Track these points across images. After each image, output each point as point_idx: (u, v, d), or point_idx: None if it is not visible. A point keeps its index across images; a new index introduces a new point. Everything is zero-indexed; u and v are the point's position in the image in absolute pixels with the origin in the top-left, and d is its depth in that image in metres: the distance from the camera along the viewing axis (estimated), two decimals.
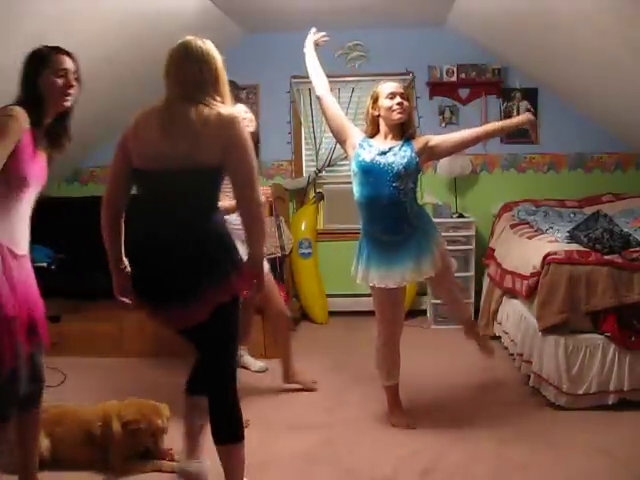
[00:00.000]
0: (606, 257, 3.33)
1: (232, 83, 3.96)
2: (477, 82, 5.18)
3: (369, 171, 2.96)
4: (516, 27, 4.32)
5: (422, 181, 5.39)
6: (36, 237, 5.11)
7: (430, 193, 5.14)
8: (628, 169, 5.30)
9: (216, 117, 2.11)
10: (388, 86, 3.08)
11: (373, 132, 3.10)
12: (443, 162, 5.11)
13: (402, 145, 3.00)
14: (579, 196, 5.07)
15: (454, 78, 5.16)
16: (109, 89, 4.38)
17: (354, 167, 3.02)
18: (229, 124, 2.10)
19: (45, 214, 5.28)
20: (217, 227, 2.20)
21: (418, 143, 3.02)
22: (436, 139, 3.04)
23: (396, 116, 3.00)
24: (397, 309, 3.18)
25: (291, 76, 5.26)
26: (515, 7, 3.89)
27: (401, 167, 2.92)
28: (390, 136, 3.05)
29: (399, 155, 2.95)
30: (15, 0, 2.86)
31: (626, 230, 3.61)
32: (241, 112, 3.24)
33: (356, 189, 3.04)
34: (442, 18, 4.94)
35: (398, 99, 3.01)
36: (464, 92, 5.27)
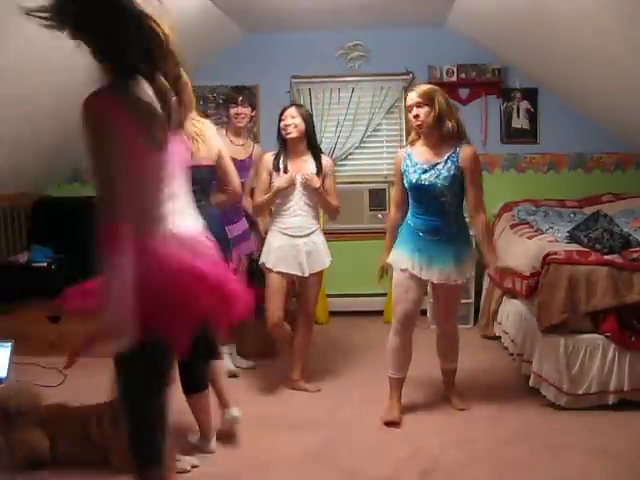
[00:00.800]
0: (606, 257, 3.33)
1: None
2: (477, 82, 5.18)
3: (416, 189, 3.13)
4: (516, 27, 4.32)
5: None
6: (36, 237, 5.12)
7: None
8: (628, 169, 5.30)
9: None
10: (408, 98, 3.14)
11: (416, 138, 3.19)
12: None
13: (446, 161, 3.07)
14: (579, 196, 5.07)
15: (454, 78, 5.16)
16: None
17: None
18: None
19: (45, 214, 5.32)
20: None
21: (464, 157, 3.07)
22: (469, 169, 3.10)
23: (415, 129, 3.10)
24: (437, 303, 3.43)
25: (291, 76, 5.26)
26: (515, 7, 3.89)
27: (444, 187, 3.05)
28: (431, 144, 3.11)
29: (442, 175, 3.05)
30: (14, 0, 2.85)
31: (626, 230, 3.61)
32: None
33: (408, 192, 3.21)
34: (442, 18, 4.94)
35: (414, 111, 3.05)
36: (464, 92, 5.27)
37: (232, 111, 3.95)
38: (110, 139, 1.54)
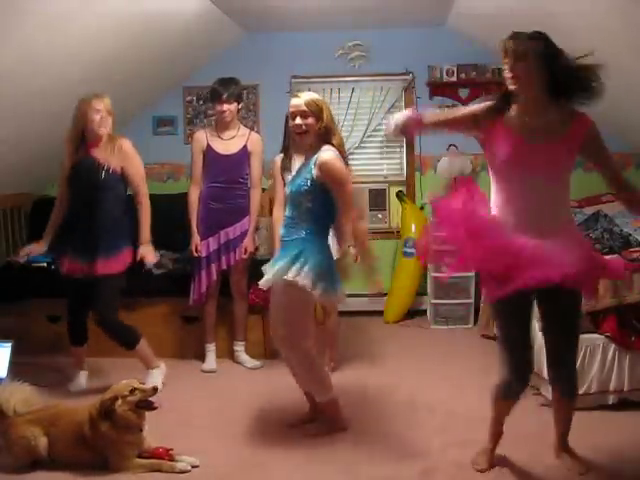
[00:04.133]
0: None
1: (231, 80, 3.97)
2: (477, 82, 5.18)
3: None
4: (516, 27, 4.28)
5: (422, 182, 5.41)
6: (36, 237, 5.14)
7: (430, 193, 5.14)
8: (628, 169, 5.30)
9: None
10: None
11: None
12: (442, 163, 5.12)
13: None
14: (579, 196, 5.07)
15: (454, 78, 5.16)
16: (109, 89, 4.37)
17: None
18: None
19: (45, 214, 5.32)
20: None
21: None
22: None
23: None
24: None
25: (291, 76, 5.26)
26: (515, 7, 3.90)
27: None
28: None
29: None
30: (11, 1, 2.85)
31: (626, 230, 3.61)
32: None
33: None
34: (442, 18, 4.94)
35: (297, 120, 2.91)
36: (464, 92, 5.27)
37: (217, 107, 3.94)
38: None
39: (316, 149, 2.86)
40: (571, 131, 2.35)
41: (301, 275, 2.78)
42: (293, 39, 5.24)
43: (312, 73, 5.21)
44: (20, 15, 2.96)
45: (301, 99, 2.94)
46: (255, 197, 4.06)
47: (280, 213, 3.56)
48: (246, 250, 3.98)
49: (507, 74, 2.39)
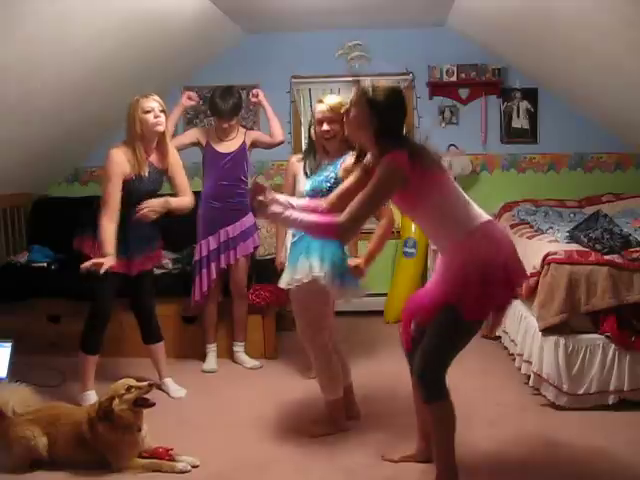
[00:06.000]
0: (606, 257, 3.33)
1: (229, 89, 3.98)
2: (477, 82, 5.18)
3: None
4: (516, 27, 4.32)
5: None
6: (36, 237, 5.12)
7: None
8: (628, 169, 5.30)
9: None
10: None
11: None
12: (443, 163, 5.11)
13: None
14: (579, 196, 5.07)
15: (454, 78, 5.16)
16: (109, 89, 4.38)
17: None
18: None
19: (45, 214, 5.31)
20: None
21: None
22: None
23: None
24: None
25: (291, 76, 5.26)
26: (515, 7, 3.89)
27: None
28: None
29: None
30: (13, 0, 2.85)
31: (626, 230, 3.61)
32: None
33: None
34: (442, 18, 4.94)
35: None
36: (464, 92, 5.27)
37: (217, 123, 3.99)
38: None
39: (342, 152, 2.89)
40: None
41: (318, 271, 2.83)
42: (293, 39, 5.24)
43: (312, 73, 5.21)
44: (20, 14, 2.96)
45: (325, 104, 2.98)
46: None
47: None
48: None
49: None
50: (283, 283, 3.05)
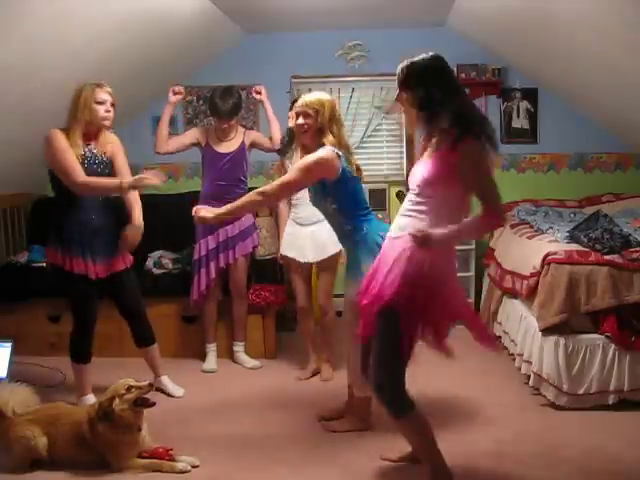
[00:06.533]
0: (606, 257, 3.33)
1: (229, 89, 3.98)
2: (477, 82, 5.17)
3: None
4: (516, 27, 4.32)
5: None
6: (36, 237, 5.12)
7: None
8: (628, 169, 5.30)
9: None
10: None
11: None
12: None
13: None
14: (579, 196, 5.07)
15: None
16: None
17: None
18: None
19: (45, 214, 5.30)
20: None
21: None
22: None
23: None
24: None
25: (291, 76, 5.26)
26: (515, 7, 3.89)
27: None
28: None
29: None
30: (11, 0, 2.85)
31: (626, 230, 3.60)
32: None
33: None
34: (442, 18, 4.94)
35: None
36: None
37: (217, 123, 3.99)
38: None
39: (315, 149, 2.88)
40: None
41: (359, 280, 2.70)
42: (293, 39, 5.24)
43: (312, 73, 5.21)
44: (20, 14, 2.96)
45: (302, 99, 3.01)
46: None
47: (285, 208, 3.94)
48: None
49: None
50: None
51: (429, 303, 2.31)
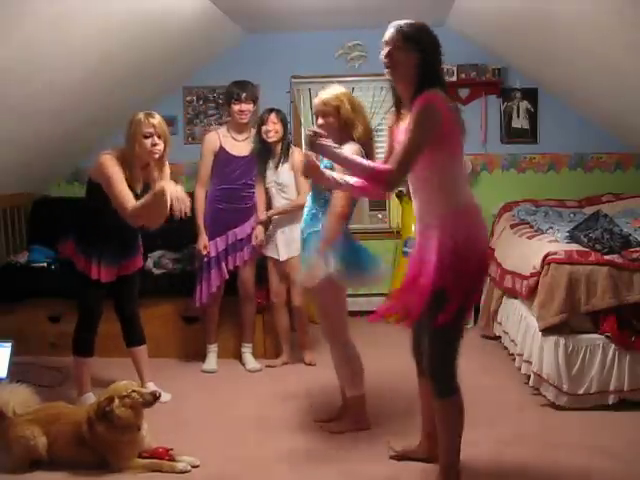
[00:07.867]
0: (606, 257, 3.33)
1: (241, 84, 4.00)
2: (477, 82, 5.17)
3: None
4: (516, 27, 4.32)
5: None
6: (36, 237, 5.12)
7: None
8: (628, 169, 5.30)
9: None
10: None
11: None
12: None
13: None
14: (579, 196, 5.07)
15: (454, 78, 5.15)
16: (109, 89, 4.38)
17: None
18: None
19: (45, 214, 5.31)
20: None
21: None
22: None
23: None
24: None
25: (291, 76, 5.26)
26: (515, 7, 3.89)
27: None
28: None
29: None
30: (11, 1, 2.85)
31: (626, 230, 3.61)
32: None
33: None
34: (442, 18, 4.94)
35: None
36: (464, 92, 5.27)
37: (235, 108, 3.93)
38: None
39: (342, 142, 2.84)
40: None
41: (328, 268, 2.82)
42: (293, 39, 5.24)
43: (312, 73, 5.20)
44: (21, 14, 2.95)
45: (318, 98, 2.98)
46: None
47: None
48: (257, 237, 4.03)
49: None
50: (300, 281, 3.14)
51: (477, 279, 2.36)
